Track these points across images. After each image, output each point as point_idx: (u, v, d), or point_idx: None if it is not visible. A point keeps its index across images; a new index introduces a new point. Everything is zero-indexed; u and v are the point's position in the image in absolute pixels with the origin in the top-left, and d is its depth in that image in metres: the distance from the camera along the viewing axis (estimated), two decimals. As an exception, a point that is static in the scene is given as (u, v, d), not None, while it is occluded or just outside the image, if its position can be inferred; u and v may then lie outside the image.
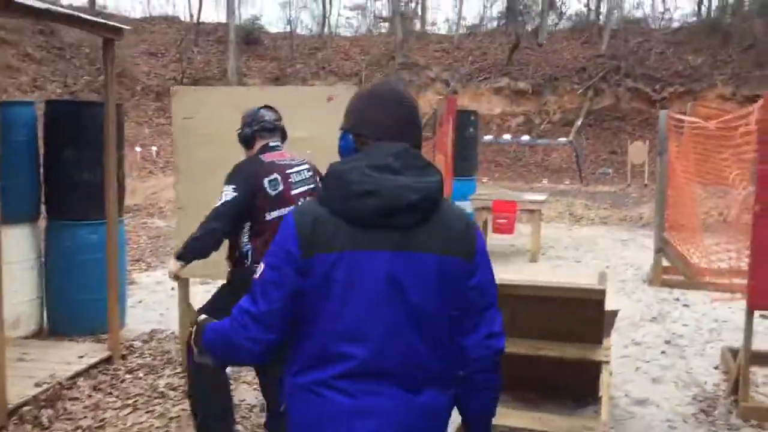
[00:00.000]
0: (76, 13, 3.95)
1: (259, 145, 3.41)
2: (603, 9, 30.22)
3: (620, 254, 9.27)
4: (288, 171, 3.33)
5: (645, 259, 8.82)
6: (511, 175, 21.51)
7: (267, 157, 3.34)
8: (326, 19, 31.66)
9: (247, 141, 3.44)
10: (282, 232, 1.63)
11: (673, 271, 7.65)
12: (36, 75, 21.85)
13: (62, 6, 26.89)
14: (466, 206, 9.40)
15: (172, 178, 4.48)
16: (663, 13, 29.77)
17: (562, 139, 21.03)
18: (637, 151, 19.04)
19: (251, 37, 28.00)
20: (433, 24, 32.62)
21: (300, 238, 1.57)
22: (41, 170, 5.39)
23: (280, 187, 3.27)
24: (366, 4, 32.24)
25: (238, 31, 26.91)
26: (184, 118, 4.47)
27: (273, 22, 34.03)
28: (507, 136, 21.10)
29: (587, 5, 31.68)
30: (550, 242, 10.02)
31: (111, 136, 4.87)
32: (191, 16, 29.40)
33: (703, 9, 29.29)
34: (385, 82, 1.85)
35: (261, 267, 1.65)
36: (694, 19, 28.71)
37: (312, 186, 3.37)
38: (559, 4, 30.87)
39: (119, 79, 24.04)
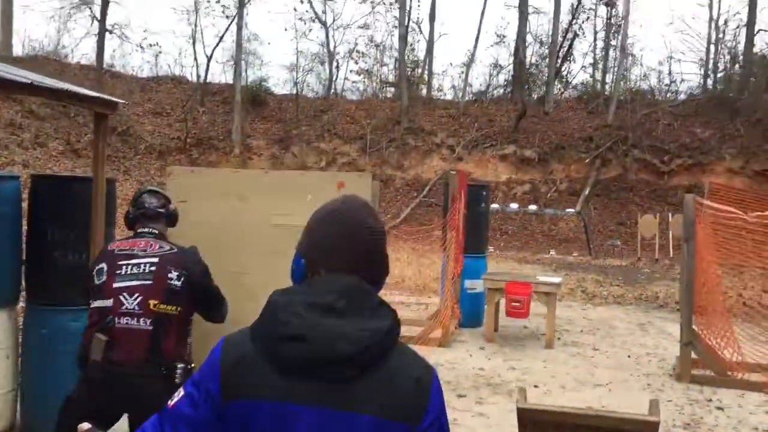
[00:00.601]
0: (65, 86, 3.57)
1: (136, 229, 3.37)
2: (609, 79, 30.39)
3: (640, 341, 8.73)
4: (122, 262, 3.18)
5: (668, 348, 8.31)
6: (517, 244, 21.07)
7: (115, 245, 3.32)
8: (332, 83, 31.81)
9: (128, 224, 3.44)
10: (207, 362, 1.44)
11: (701, 364, 7.14)
12: (39, 132, 21.69)
13: (67, 64, 26.75)
14: (478, 285, 8.93)
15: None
16: (669, 85, 29.80)
17: (570, 210, 20.67)
18: (647, 224, 18.66)
19: (257, 98, 28.00)
20: (440, 90, 32.71)
21: (222, 376, 1.39)
22: (23, 250, 4.94)
23: (104, 278, 3.18)
24: (373, 69, 32.39)
25: (244, 93, 26.91)
26: (179, 201, 4.05)
27: (280, 84, 34.27)
28: (514, 205, 20.76)
29: (592, 75, 31.90)
30: (565, 324, 9.50)
31: (98, 215, 4.51)
32: (198, 76, 29.48)
33: (709, 81, 29.39)
34: (350, 201, 1.53)
35: (180, 393, 1.46)
36: (699, 91, 28.77)
37: (148, 282, 3.13)
38: (564, 73, 31.00)
39: (123, 138, 23.96)
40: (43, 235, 4.88)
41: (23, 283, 4.98)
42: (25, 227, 5.02)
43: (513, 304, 7.99)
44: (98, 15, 27.56)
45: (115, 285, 3.14)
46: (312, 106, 28.65)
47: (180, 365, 3.13)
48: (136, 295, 3.12)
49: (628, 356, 7.90)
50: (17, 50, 28.16)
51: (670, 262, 17.44)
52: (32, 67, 24.27)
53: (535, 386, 6.56)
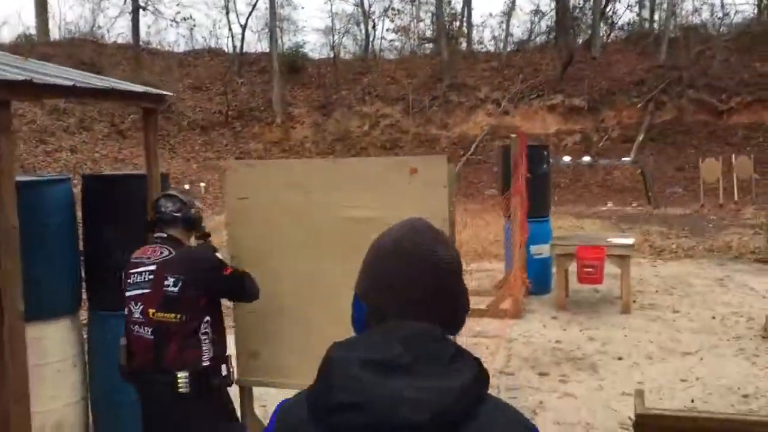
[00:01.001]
0: (110, 85, 3.28)
1: (154, 234, 3.32)
2: (657, 17, 29.04)
3: (721, 299, 8.24)
4: (132, 270, 3.21)
5: (753, 305, 7.84)
6: (571, 197, 20.40)
7: (136, 253, 3.28)
8: (370, 43, 31.17)
9: (148, 228, 3.41)
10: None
11: (794, 324, 6.67)
12: (83, 116, 21.77)
13: (105, 62, 26.67)
14: (544, 250, 8.54)
15: (223, 217, 4.03)
16: (722, 18, 28.28)
17: (626, 159, 19.90)
18: (710, 168, 17.84)
19: (295, 65, 27.59)
20: (480, 42, 31.68)
21: None
22: (81, 254, 4.74)
23: (122, 287, 3.26)
24: (409, 25, 31.54)
25: (281, 60, 26.52)
26: (239, 198, 3.77)
27: (316, 49, 33.50)
28: (567, 158, 20.06)
29: (639, 14, 30.50)
30: (637, 284, 9.04)
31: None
32: (234, 47, 29.15)
33: (765, 12, 27.81)
34: (413, 228, 1.27)
35: None
36: (755, 22, 27.23)
37: (146, 291, 3.12)
38: (610, 13, 29.71)
39: (165, 115, 23.88)
40: (98, 238, 4.67)
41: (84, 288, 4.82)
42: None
43: (586, 269, 7.59)
44: (130, -8, 27.39)
45: (127, 294, 3.20)
46: (350, 69, 28.12)
47: (182, 373, 3.05)
48: (139, 304, 3.13)
49: (713, 317, 7.45)
50: (54, 34, 28.21)
51: (736, 207, 16.68)
52: (70, 50, 24.32)
53: (619, 358, 6.21)
